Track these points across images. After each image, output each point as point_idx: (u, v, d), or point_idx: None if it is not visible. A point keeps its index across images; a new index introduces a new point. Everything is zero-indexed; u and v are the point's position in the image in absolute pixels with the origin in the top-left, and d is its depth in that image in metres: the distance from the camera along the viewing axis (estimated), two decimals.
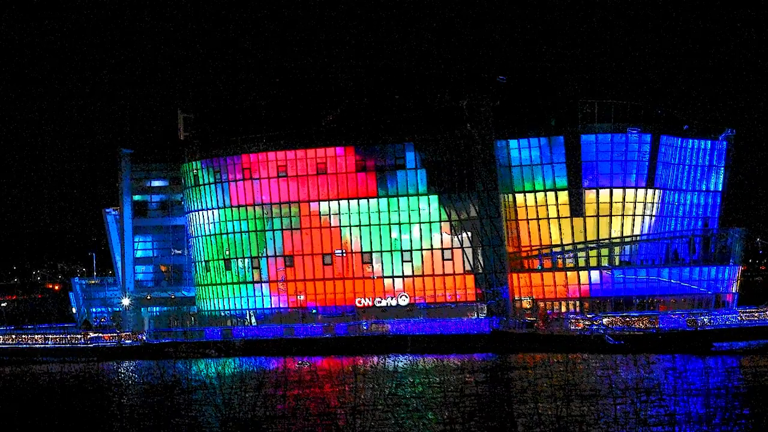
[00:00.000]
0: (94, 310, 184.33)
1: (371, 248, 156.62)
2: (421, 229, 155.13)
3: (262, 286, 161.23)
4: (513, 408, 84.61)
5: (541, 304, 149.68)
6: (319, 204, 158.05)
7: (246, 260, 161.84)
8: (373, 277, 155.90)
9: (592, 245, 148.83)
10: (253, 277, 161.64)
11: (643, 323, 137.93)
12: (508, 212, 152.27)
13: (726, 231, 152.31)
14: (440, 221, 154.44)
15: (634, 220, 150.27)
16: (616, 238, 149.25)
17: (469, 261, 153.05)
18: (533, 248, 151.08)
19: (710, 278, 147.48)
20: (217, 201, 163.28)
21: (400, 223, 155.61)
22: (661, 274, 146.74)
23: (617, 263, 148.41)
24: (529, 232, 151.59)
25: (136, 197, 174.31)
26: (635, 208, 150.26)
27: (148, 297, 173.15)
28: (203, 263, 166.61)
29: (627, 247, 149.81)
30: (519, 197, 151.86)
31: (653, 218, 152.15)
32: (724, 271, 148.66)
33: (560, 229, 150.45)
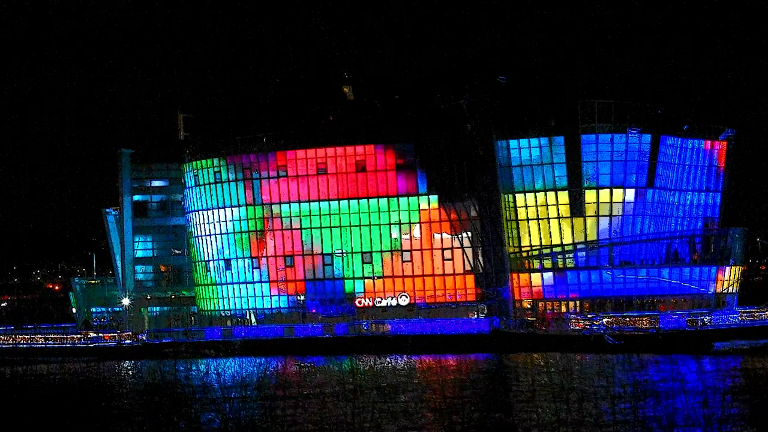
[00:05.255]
0: (94, 310, 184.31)
1: (371, 248, 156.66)
2: (421, 229, 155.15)
3: (262, 286, 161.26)
4: (512, 408, 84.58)
5: (541, 304, 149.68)
6: (319, 204, 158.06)
7: (246, 260, 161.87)
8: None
9: (592, 245, 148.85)
10: (253, 277, 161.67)
11: (643, 323, 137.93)
12: (508, 212, 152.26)
13: (726, 231, 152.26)
14: (440, 221, 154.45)
15: (633, 220, 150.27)
16: (616, 237, 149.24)
17: (469, 261, 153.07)
18: (533, 248, 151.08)
19: (710, 278, 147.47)
20: (217, 201, 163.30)
21: (400, 223, 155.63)
22: (661, 273, 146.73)
23: (611, 264, 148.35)
24: (529, 232, 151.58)
25: (136, 197, 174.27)
26: (635, 208, 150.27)
27: (148, 297, 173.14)
28: (203, 263, 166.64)
29: (627, 247, 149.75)
30: (519, 197, 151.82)
31: (653, 218, 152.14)
32: (724, 271, 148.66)
33: (560, 229, 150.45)
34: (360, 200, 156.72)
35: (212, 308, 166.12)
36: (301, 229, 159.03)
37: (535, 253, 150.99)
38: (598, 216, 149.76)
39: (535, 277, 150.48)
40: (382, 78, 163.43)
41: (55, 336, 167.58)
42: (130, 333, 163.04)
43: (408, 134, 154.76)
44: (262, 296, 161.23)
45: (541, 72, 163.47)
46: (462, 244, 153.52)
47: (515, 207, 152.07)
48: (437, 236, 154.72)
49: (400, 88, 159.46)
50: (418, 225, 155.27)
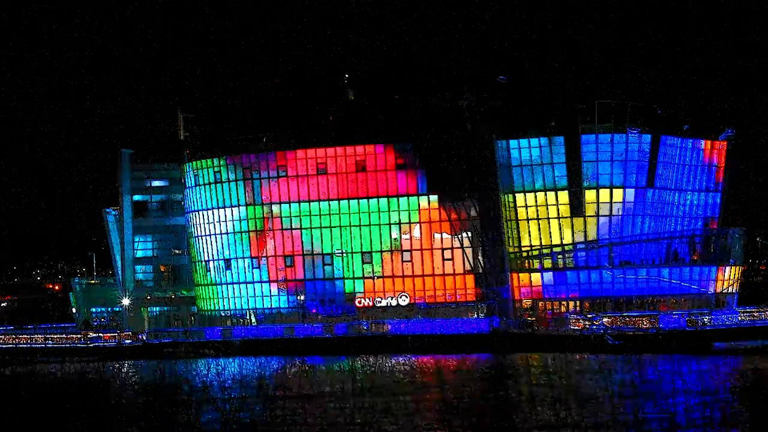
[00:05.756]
0: (94, 310, 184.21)
1: (371, 248, 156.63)
2: (421, 229, 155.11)
3: (262, 286, 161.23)
4: (512, 409, 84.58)
5: (541, 304, 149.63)
6: (319, 204, 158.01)
7: (246, 260, 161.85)
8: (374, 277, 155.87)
9: (592, 245, 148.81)
10: (253, 277, 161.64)
11: (643, 323, 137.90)
12: (508, 212, 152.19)
13: (726, 231, 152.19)
14: (440, 221, 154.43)
15: (633, 220, 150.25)
16: (616, 237, 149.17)
17: (469, 261, 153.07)
18: (533, 248, 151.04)
19: (710, 278, 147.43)
20: (218, 201, 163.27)
21: (400, 223, 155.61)
22: (661, 273, 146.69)
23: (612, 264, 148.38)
24: (529, 232, 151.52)
25: (136, 197, 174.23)
26: (635, 208, 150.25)
27: (148, 297, 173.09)
28: (203, 263, 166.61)
29: (627, 247, 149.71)
30: (519, 197, 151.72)
31: (653, 218, 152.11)
32: (724, 270, 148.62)
33: (560, 229, 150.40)
34: (360, 200, 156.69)
35: (212, 308, 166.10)
36: (301, 229, 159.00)
37: (535, 252, 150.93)
38: (598, 216, 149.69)
39: (535, 277, 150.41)
40: (382, 78, 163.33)
41: (55, 336, 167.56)
42: (130, 333, 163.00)
43: (408, 134, 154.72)
44: (262, 296, 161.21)
45: (541, 72, 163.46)
46: (462, 244, 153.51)
47: (515, 207, 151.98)
48: (437, 236, 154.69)
49: (400, 88, 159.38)
50: (418, 225, 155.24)
